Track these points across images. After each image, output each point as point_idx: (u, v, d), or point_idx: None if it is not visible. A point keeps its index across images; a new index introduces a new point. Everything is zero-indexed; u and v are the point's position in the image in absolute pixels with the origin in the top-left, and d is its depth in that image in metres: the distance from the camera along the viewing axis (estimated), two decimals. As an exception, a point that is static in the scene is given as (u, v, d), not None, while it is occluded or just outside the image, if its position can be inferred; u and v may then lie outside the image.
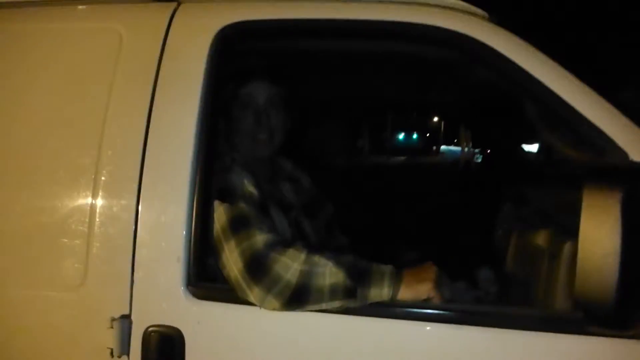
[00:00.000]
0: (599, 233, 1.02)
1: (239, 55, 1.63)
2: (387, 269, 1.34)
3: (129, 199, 1.42)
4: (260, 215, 1.45)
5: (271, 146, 1.70)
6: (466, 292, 2.16)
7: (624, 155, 1.26)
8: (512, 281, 1.86)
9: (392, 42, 1.55)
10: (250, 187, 1.51)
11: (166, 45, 1.51)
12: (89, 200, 1.43)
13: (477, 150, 4.34)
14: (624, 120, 1.30)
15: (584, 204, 1.05)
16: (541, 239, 1.53)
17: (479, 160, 4.06)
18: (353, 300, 1.29)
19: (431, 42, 1.45)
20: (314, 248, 1.67)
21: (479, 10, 1.46)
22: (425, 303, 1.32)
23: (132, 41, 1.54)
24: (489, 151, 3.56)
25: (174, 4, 1.58)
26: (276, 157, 1.84)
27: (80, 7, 1.63)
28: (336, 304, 1.29)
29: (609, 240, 1.02)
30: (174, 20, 1.54)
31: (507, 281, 1.90)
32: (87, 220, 1.42)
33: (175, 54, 1.50)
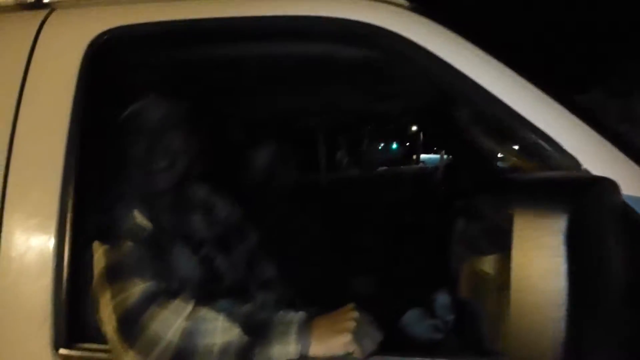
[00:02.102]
0: (535, 275, 0.78)
1: (123, 67, 1.38)
2: (295, 318, 1.09)
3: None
4: (150, 256, 1.20)
5: (173, 175, 1.43)
6: (421, 321, 1.95)
7: (574, 162, 1.03)
8: (468, 310, 1.63)
9: (298, 42, 1.31)
10: (142, 221, 1.26)
11: (32, 60, 1.28)
12: None
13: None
14: (573, 120, 1.08)
15: (515, 231, 0.81)
16: (488, 266, 1.29)
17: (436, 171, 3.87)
18: None
19: (340, 39, 1.22)
20: (226, 290, 1.44)
21: (397, -2, 1.22)
22: None
23: (-4, 53, 1.31)
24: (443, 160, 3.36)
25: (45, 12, 1.34)
26: (184, 184, 1.58)
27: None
28: None
29: (549, 283, 0.77)
30: (43, 29, 1.31)
31: (463, 310, 1.67)
32: None
33: (41, 69, 1.27)
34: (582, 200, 0.80)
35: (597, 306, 0.77)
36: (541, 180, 0.94)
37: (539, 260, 0.78)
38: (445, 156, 5.23)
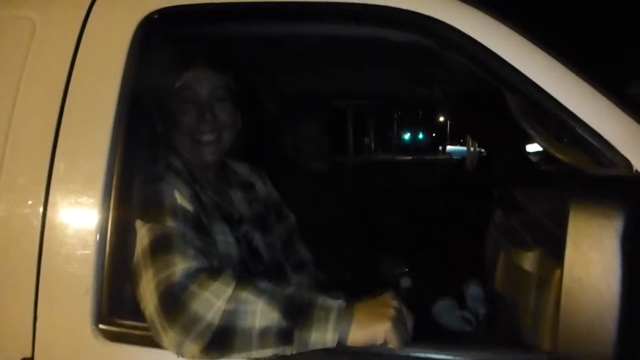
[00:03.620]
0: (589, 272, 0.77)
1: (173, 43, 1.39)
2: (335, 305, 1.08)
3: (33, 211, 1.19)
4: (193, 235, 1.21)
5: (219, 148, 1.45)
6: (452, 312, 1.94)
7: (627, 164, 1.00)
8: (501, 304, 1.61)
9: (346, 26, 1.30)
10: (182, 201, 1.27)
11: (83, 35, 1.30)
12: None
13: (481, 151, 4.08)
14: (626, 120, 1.05)
15: (570, 231, 0.80)
16: (528, 261, 1.27)
17: (476, 162, 3.81)
18: (289, 346, 1.04)
19: (390, 26, 1.21)
20: (263, 269, 1.44)
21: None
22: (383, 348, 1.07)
23: (46, 30, 1.33)
24: (483, 152, 3.31)
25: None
26: (228, 161, 1.59)
27: (-6, -6, 1.42)
28: (268, 351, 1.04)
29: (604, 283, 0.76)
30: (94, 7, 1.33)
31: (496, 302, 1.65)
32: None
33: (92, 45, 1.29)
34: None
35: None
36: (598, 179, 0.92)
37: (595, 260, 0.76)
38: (473, 148, 5.15)
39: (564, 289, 0.80)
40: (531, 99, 1.12)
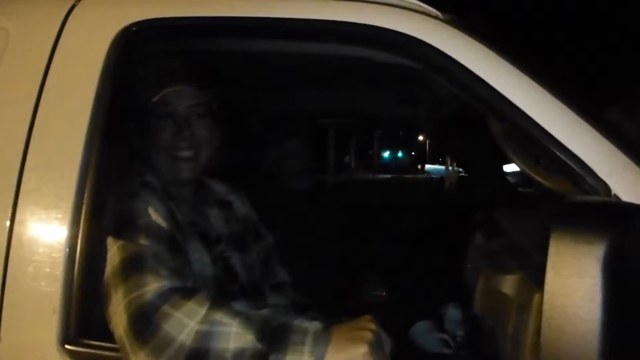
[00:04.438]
0: (570, 298, 0.75)
1: (152, 57, 1.37)
2: (311, 327, 1.05)
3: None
4: (166, 254, 1.17)
5: (196, 165, 1.41)
6: (430, 334, 1.92)
7: (606, 190, 1.00)
8: (481, 327, 1.59)
9: (330, 45, 1.29)
10: (157, 218, 1.23)
11: (57, 47, 1.27)
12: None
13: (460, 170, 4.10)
14: (605, 144, 1.05)
15: (551, 257, 0.78)
16: (508, 285, 1.26)
17: (455, 182, 3.83)
18: None
19: (374, 46, 1.20)
20: (239, 290, 1.41)
21: (431, 9, 1.20)
22: None
23: (20, 41, 1.30)
24: (461, 172, 3.32)
25: (72, 0, 1.33)
26: (206, 179, 1.56)
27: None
28: None
29: (585, 309, 0.74)
30: (70, 17, 1.30)
31: (475, 326, 1.64)
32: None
33: (66, 57, 1.26)
34: (622, 228, 0.77)
35: (635, 339, 0.75)
36: (581, 205, 0.91)
37: (576, 286, 0.75)
38: (451, 168, 5.18)
39: (544, 315, 0.79)
40: (513, 122, 1.13)
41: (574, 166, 1.05)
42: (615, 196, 1.04)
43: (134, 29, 1.25)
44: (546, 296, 0.78)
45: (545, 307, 0.79)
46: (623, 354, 0.75)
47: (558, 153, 1.05)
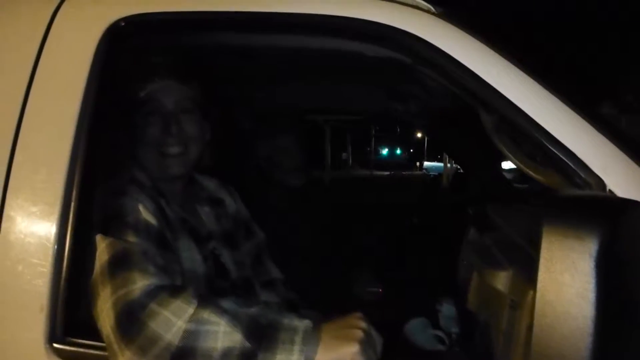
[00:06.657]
0: (562, 295, 0.74)
1: (141, 52, 1.35)
2: (301, 326, 1.04)
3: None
4: (155, 251, 1.16)
5: (185, 161, 1.40)
6: (424, 331, 1.91)
7: (601, 184, 0.99)
8: (475, 323, 1.58)
9: (320, 39, 1.28)
10: (146, 215, 1.22)
11: (46, 43, 1.25)
12: None
13: (457, 167, 4.09)
14: (600, 138, 1.04)
15: (543, 253, 0.77)
16: (500, 281, 1.24)
17: (452, 179, 3.81)
18: None
19: (366, 40, 1.19)
20: (230, 287, 1.40)
21: (423, 3, 1.19)
22: None
23: (7, 36, 1.28)
24: (459, 169, 3.31)
25: (60, -4, 1.31)
26: (196, 175, 1.54)
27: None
28: None
29: (577, 306, 0.73)
30: (59, 12, 1.28)
31: (469, 322, 1.63)
32: None
33: (55, 52, 1.24)
34: (615, 223, 0.75)
35: (627, 336, 0.73)
36: (573, 200, 0.90)
37: (568, 283, 0.74)
38: (449, 164, 5.20)
39: (536, 312, 0.78)
40: (506, 116, 1.11)
41: (567, 160, 1.03)
42: (610, 191, 1.03)
43: (123, 24, 1.24)
44: (538, 292, 0.77)
45: (537, 302, 0.78)
46: (614, 351, 0.74)
47: (551, 147, 1.04)
